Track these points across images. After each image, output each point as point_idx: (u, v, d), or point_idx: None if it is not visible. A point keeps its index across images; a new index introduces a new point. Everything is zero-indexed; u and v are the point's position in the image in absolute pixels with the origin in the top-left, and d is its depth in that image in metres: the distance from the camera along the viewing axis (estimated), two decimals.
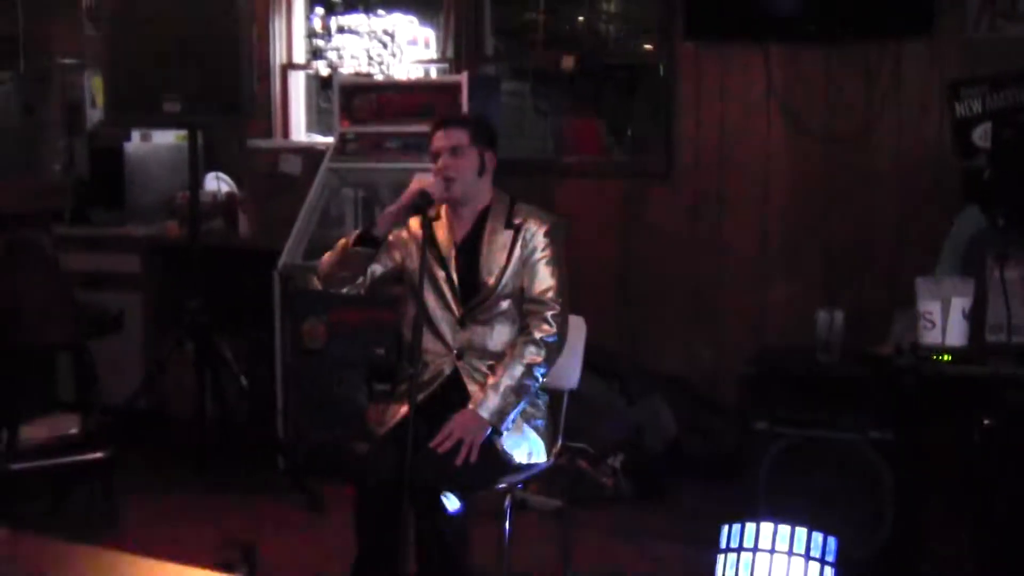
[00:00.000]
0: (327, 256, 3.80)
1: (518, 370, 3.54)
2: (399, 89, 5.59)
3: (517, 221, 3.68)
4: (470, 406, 3.51)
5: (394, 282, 3.83)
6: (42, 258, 4.57)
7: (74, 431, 4.85)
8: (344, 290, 3.80)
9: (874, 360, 4.18)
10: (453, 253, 3.69)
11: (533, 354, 3.56)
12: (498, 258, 3.65)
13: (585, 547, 4.31)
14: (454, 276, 3.67)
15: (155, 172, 6.42)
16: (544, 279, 3.63)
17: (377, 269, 3.76)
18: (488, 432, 3.49)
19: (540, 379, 3.60)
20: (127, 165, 6.40)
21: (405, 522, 3.26)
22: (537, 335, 3.58)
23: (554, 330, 3.60)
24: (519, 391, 3.54)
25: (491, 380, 3.54)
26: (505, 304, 3.66)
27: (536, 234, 3.65)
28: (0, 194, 6.35)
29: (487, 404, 3.50)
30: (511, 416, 3.54)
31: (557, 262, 3.66)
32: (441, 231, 3.72)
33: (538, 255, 3.64)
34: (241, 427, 5.42)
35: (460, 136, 3.66)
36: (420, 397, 3.57)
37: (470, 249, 3.69)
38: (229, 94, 4.92)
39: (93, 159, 6.63)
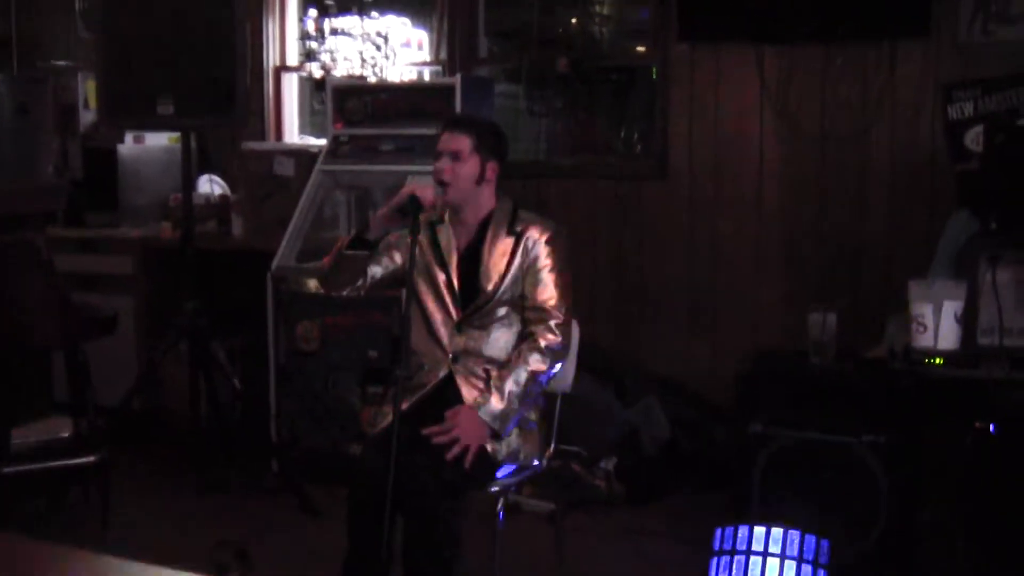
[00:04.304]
0: (325, 260, 3.81)
1: (522, 376, 3.54)
2: (392, 91, 5.59)
3: (519, 228, 3.68)
4: (470, 404, 3.51)
5: (395, 283, 3.83)
6: (36, 260, 4.56)
7: (66, 434, 4.84)
8: (344, 292, 3.81)
9: (867, 363, 4.18)
10: (455, 258, 3.69)
11: (538, 362, 3.56)
12: (498, 264, 3.64)
13: (578, 550, 4.31)
14: (454, 280, 3.67)
15: (148, 174, 6.41)
16: (547, 287, 3.63)
17: (377, 271, 3.75)
18: (488, 437, 3.49)
19: (543, 386, 3.61)
20: (120, 167, 6.39)
21: (391, 525, 3.26)
22: (542, 343, 3.57)
23: (559, 339, 3.60)
24: (522, 397, 3.54)
25: (494, 384, 3.53)
26: (503, 311, 3.65)
27: (538, 242, 3.65)
28: None
29: (489, 408, 3.49)
30: (512, 422, 3.54)
31: (560, 270, 3.66)
32: (444, 235, 3.72)
33: (540, 263, 3.63)
34: (234, 429, 5.41)
35: (462, 142, 3.63)
36: (413, 400, 3.57)
37: (472, 254, 3.69)
38: (222, 96, 4.90)
39: (86, 161, 6.62)
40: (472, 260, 3.68)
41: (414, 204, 3.54)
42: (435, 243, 3.69)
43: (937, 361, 3.77)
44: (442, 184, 3.62)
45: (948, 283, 3.91)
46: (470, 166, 3.64)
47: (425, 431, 3.44)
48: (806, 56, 5.31)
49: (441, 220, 3.72)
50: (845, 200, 5.30)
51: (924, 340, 3.81)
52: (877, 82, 5.19)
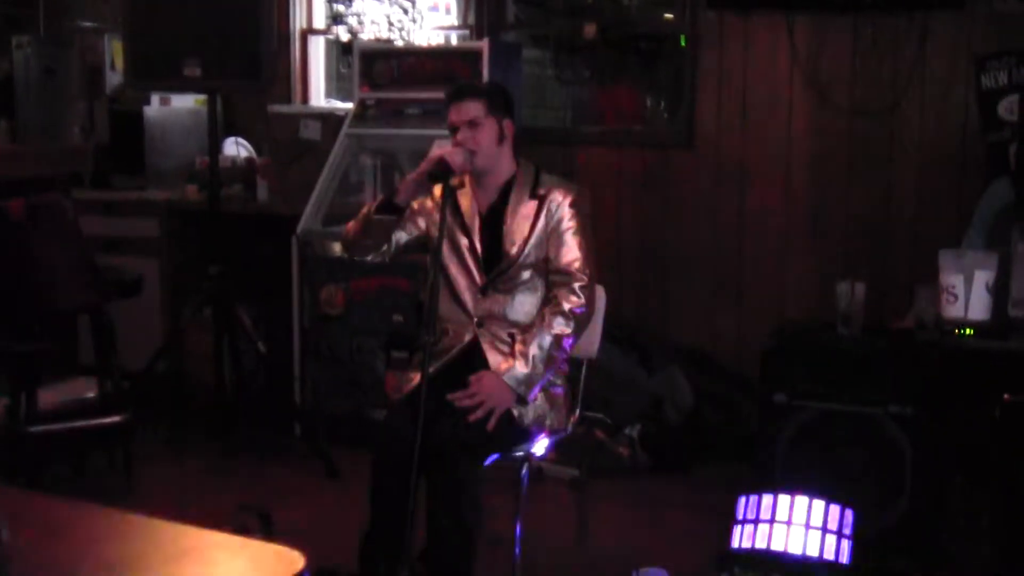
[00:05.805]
0: (351, 224, 3.80)
1: (547, 340, 3.52)
2: (419, 55, 5.56)
3: (542, 191, 3.66)
4: (496, 370, 3.50)
5: (419, 249, 3.82)
6: (63, 222, 4.57)
7: (92, 395, 4.86)
8: (368, 257, 3.80)
9: (895, 334, 4.15)
10: (477, 222, 3.67)
11: (562, 325, 3.54)
12: (522, 228, 3.63)
13: (601, 517, 4.31)
14: (477, 245, 3.65)
15: (175, 136, 6.42)
16: (571, 250, 3.60)
17: (402, 237, 3.75)
18: (512, 401, 3.48)
19: (568, 351, 3.59)
20: (147, 129, 6.40)
21: (415, 490, 3.26)
22: (566, 306, 3.55)
23: (582, 301, 3.57)
24: (547, 362, 3.52)
25: (519, 348, 3.51)
26: (527, 274, 3.64)
27: (561, 205, 3.63)
28: (21, 158, 6.37)
29: (514, 373, 3.48)
30: (537, 387, 3.53)
31: (583, 233, 3.63)
32: (465, 200, 3.70)
33: (564, 225, 3.61)
34: (258, 393, 5.43)
35: (475, 108, 3.62)
36: (438, 365, 3.56)
37: (494, 218, 3.68)
38: (249, 59, 4.90)
39: (113, 123, 6.62)
40: (494, 224, 3.67)
41: (444, 169, 3.52)
42: (456, 208, 3.68)
43: (967, 331, 3.73)
44: (470, 153, 3.60)
45: (979, 253, 3.86)
46: (488, 129, 3.63)
47: (449, 396, 3.44)
48: (837, 26, 5.25)
49: (462, 185, 3.71)
50: (874, 171, 5.25)
51: (954, 310, 3.77)
52: (908, 54, 5.13)
